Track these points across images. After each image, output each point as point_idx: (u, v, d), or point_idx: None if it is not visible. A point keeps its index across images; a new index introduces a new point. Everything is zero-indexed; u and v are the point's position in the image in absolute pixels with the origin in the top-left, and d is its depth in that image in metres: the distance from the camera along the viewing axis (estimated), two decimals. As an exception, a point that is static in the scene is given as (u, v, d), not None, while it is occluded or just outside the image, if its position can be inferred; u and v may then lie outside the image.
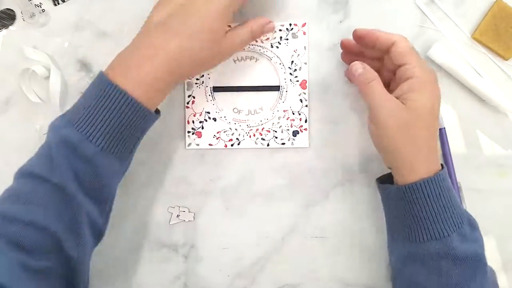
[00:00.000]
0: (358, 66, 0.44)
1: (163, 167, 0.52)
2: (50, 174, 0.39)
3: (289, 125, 0.51)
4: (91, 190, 0.41)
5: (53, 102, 0.52)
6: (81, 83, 0.51)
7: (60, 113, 0.51)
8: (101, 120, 0.40)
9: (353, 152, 0.51)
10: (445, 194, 0.41)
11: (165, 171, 0.52)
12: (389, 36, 0.44)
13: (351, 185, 0.51)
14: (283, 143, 0.51)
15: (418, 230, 0.41)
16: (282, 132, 0.51)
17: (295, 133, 0.51)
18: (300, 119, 0.51)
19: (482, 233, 0.49)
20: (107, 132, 0.40)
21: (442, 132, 0.50)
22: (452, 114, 0.50)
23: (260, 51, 0.51)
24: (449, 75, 0.50)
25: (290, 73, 0.51)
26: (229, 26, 0.47)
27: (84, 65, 0.53)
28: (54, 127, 0.42)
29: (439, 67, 0.50)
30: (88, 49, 0.53)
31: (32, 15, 0.52)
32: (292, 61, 0.51)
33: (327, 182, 0.51)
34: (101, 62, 0.52)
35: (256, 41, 0.51)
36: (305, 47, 0.51)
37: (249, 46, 0.51)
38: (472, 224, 0.42)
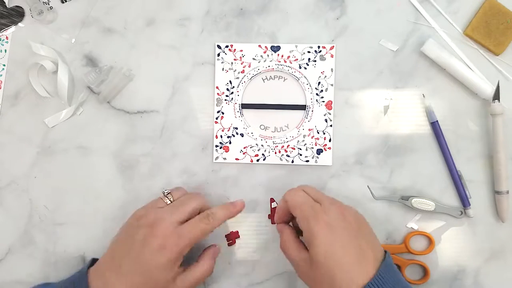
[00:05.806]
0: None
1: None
2: None
3: (314, 144, 0.52)
4: None
5: (60, 96, 0.53)
6: (87, 77, 0.52)
7: (68, 106, 0.53)
8: None
9: (349, 146, 0.52)
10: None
11: (172, 165, 0.54)
12: (283, 201, 0.46)
13: (347, 176, 0.52)
14: (307, 161, 0.52)
15: None
16: (306, 150, 0.52)
17: (319, 152, 0.52)
18: (325, 138, 0.52)
19: (474, 223, 0.51)
20: None
21: (435, 125, 0.51)
22: (444, 107, 0.52)
23: (289, 71, 0.52)
24: (442, 69, 0.51)
25: (317, 94, 0.53)
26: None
27: (90, 60, 0.54)
28: None
29: (433, 61, 0.51)
30: (94, 45, 0.54)
31: (40, 12, 0.54)
32: (319, 83, 0.53)
33: (324, 173, 0.53)
34: (107, 57, 0.54)
35: (285, 61, 0.53)
36: (332, 69, 0.52)
37: (278, 66, 0.53)
38: None
